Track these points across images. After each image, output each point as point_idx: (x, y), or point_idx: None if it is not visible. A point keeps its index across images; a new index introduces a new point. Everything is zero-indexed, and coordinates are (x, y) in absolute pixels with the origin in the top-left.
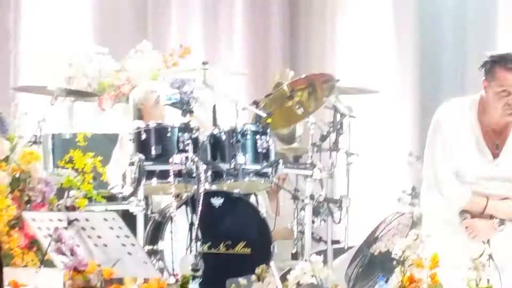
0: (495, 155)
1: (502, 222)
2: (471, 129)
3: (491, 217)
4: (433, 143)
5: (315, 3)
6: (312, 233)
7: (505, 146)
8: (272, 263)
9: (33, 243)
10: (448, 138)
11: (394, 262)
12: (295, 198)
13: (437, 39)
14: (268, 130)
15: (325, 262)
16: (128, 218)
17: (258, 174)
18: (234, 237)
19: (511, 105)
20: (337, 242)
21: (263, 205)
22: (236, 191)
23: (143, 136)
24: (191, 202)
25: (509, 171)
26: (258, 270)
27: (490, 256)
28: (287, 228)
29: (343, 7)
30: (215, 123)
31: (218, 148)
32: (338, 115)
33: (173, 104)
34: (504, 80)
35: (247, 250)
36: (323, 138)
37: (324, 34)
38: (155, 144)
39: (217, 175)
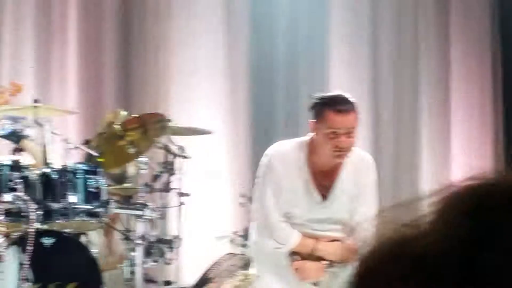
0: (324, 197)
1: (331, 264)
2: (300, 171)
3: (320, 258)
4: (262, 185)
5: (149, 42)
6: (145, 274)
7: (332, 188)
8: None
9: None
10: (277, 180)
11: None
12: (126, 238)
13: (269, 80)
14: (100, 170)
15: None
16: None
17: (89, 213)
18: (64, 278)
19: (339, 147)
20: (169, 283)
21: (97, 244)
22: (67, 230)
23: None
24: (21, 242)
25: (337, 212)
26: None
27: None
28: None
29: (178, 47)
30: (45, 162)
31: (49, 187)
32: (171, 155)
33: (5, 136)
34: (333, 122)
35: None
36: (155, 178)
37: (158, 74)
38: None
39: (48, 215)
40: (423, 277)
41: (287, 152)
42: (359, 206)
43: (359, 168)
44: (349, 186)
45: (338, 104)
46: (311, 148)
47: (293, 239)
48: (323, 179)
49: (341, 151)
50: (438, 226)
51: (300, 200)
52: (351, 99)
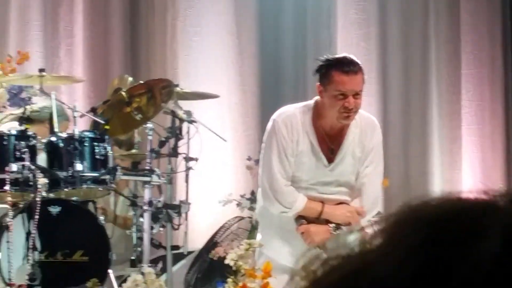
0: (330, 160)
1: (338, 226)
2: (306, 134)
3: (327, 222)
4: (268, 149)
5: (156, 8)
6: (152, 239)
7: (339, 151)
8: (110, 271)
9: None
10: (282, 144)
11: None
12: (133, 204)
13: (277, 46)
14: (106, 137)
15: (164, 268)
16: None
17: (96, 181)
18: (71, 246)
19: (347, 108)
20: (177, 247)
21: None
22: (74, 198)
23: None
24: (28, 211)
25: (344, 175)
26: (89, 284)
27: None
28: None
29: (184, 12)
30: (52, 131)
31: (56, 155)
32: (177, 121)
33: (13, 105)
34: (341, 83)
35: (85, 258)
36: (162, 143)
37: (164, 39)
38: None
39: (54, 183)
40: None
41: (292, 116)
42: (365, 168)
43: (364, 130)
44: (356, 148)
45: (345, 65)
46: (317, 111)
47: (299, 202)
48: (329, 142)
49: (349, 112)
50: (388, 258)
51: (307, 163)
52: (357, 61)
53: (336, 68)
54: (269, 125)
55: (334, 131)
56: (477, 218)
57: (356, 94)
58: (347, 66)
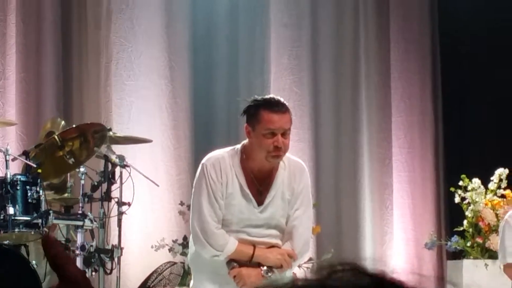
0: (260, 203)
1: (270, 270)
2: (235, 177)
3: (259, 265)
4: (197, 193)
5: (89, 50)
6: None
7: (269, 193)
8: None
9: None
10: (212, 187)
11: None
12: (66, 248)
13: (210, 90)
14: (39, 181)
15: None
16: None
17: (28, 225)
18: None
19: (276, 147)
20: None
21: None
22: (5, 242)
23: None
24: None
25: (274, 218)
26: None
27: None
28: None
29: (116, 55)
30: None
31: None
32: (110, 165)
33: None
34: (270, 121)
35: None
36: (94, 188)
37: (98, 82)
38: None
39: None
40: None
41: (221, 158)
42: (295, 211)
43: (293, 173)
44: (285, 191)
45: (273, 105)
46: (245, 154)
47: (230, 245)
48: (258, 184)
49: (279, 152)
50: None
51: (237, 205)
52: (284, 102)
53: (265, 108)
54: (199, 169)
55: (262, 173)
56: None
57: (284, 134)
58: (275, 105)
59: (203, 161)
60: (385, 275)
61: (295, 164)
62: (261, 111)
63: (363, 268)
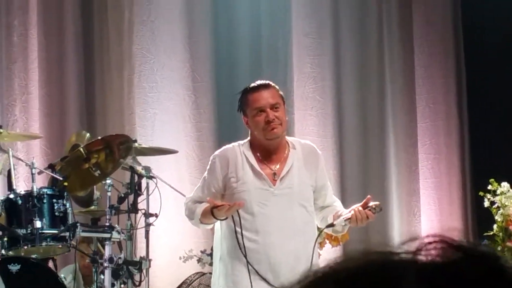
0: (274, 181)
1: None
2: (245, 161)
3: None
4: (201, 182)
5: (112, 63)
6: None
7: (282, 171)
8: None
9: None
10: (211, 179)
11: None
12: (94, 261)
13: (233, 100)
14: (65, 193)
15: None
16: None
17: (56, 238)
18: None
19: (268, 121)
20: None
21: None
22: (33, 256)
23: None
24: None
25: (291, 193)
26: None
27: None
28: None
29: (139, 67)
30: (10, 188)
31: (14, 213)
32: (136, 176)
33: None
34: (255, 100)
35: None
36: (121, 200)
37: (121, 95)
38: None
39: (13, 241)
40: None
41: (229, 149)
42: (321, 192)
43: (307, 157)
44: (300, 166)
45: (255, 86)
46: (252, 143)
47: (198, 210)
48: (272, 167)
49: (272, 124)
50: None
51: (251, 183)
52: (270, 82)
53: (248, 91)
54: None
55: (271, 154)
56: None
57: (274, 107)
58: (257, 86)
59: (214, 154)
60: (477, 247)
61: (309, 148)
62: (247, 96)
63: (453, 240)
